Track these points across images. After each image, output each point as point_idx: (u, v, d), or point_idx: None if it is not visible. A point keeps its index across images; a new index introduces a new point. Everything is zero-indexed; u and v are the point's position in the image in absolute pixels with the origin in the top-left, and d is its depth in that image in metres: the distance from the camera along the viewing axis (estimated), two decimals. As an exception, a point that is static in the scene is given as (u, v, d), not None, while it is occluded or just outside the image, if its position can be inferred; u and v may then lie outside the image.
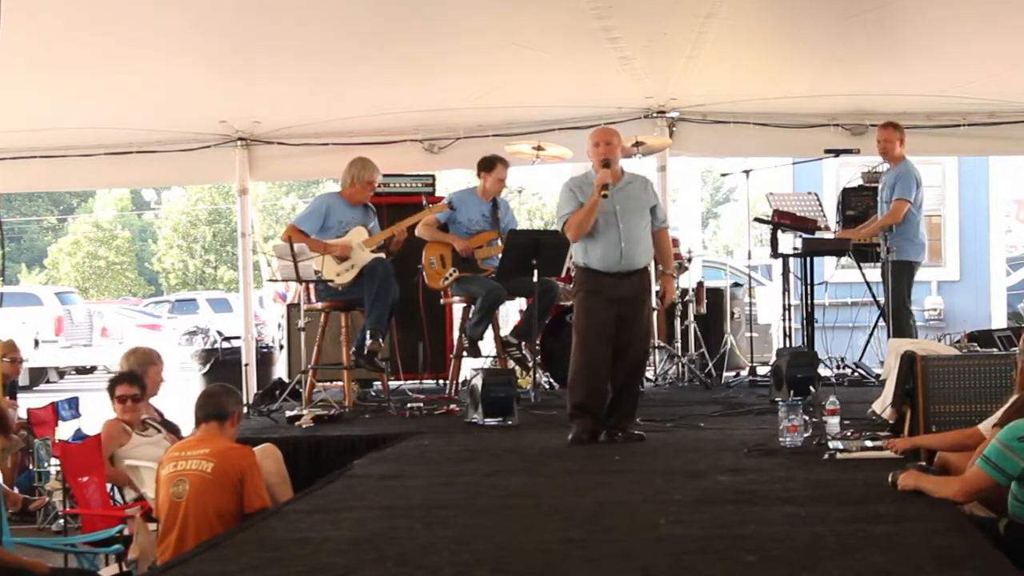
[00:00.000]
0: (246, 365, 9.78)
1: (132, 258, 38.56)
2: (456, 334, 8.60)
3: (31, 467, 7.22)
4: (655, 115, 9.32)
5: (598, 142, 6.11)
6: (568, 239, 6.17)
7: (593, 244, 6.06)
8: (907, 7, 7.10)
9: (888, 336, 8.22)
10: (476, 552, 3.67)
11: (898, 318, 8.20)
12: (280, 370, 10.05)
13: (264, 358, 10.33)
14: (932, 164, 12.87)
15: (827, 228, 9.03)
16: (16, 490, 6.98)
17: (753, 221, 9.41)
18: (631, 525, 4.07)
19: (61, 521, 6.08)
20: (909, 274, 8.35)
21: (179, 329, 23.06)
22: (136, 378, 6.04)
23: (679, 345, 9.13)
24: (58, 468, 6.29)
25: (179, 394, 7.56)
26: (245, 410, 7.90)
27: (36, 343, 18.86)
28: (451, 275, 8.08)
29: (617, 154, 6.13)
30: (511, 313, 10.83)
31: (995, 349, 6.90)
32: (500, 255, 7.77)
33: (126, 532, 5.19)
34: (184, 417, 5.82)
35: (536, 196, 38.19)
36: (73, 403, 8.00)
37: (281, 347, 10.23)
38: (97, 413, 6.20)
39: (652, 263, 6.33)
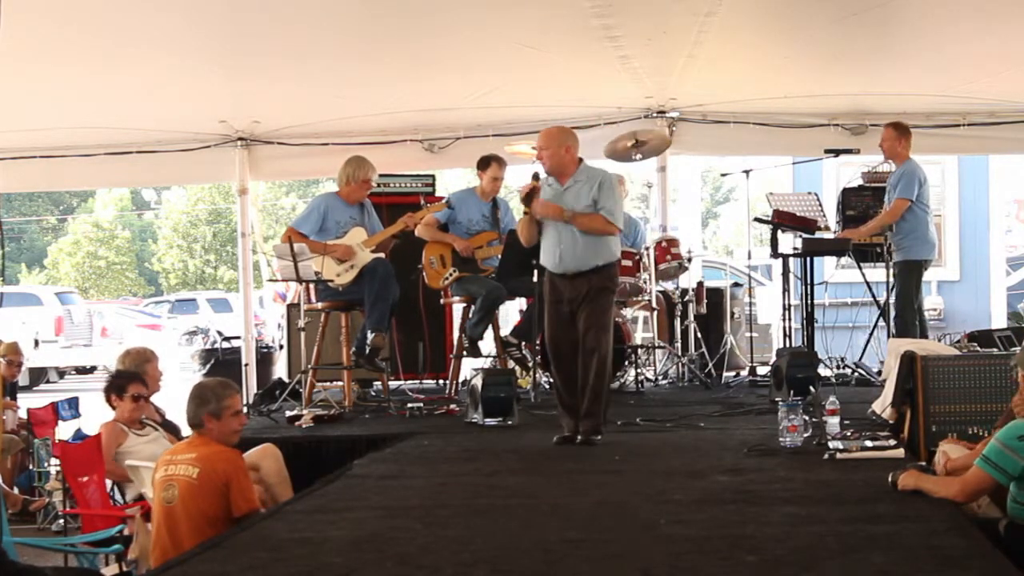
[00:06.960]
0: (246, 365, 9.78)
1: (132, 258, 38.53)
2: (456, 334, 8.60)
3: (31, 467, 7.23)
4: (655, 115, 9.32)
5: (538, 148, 6.15)
6: None
7: (543, 247, 6.17)
8: (907, 6, 7.10)
9: (888, 336, 8.21)
10: (476, 552, 3.67)
11: (903, 317, 8.16)
12: (280, 370, 10.04)
13: (264, 358, 10.33)
14: (932, 164, 12.85)
15: (827, 228, 9.01)
16: (16, 490, 6.99)
17: (753, 221, 9.39)
18: (631, 525, 4.07)
19: (61, 521, 6.09)
20: (918, 273, 8.33)
21: (179, 329, 23.01)
22: (141, 378, 6.07)
23: (679, 345, 9.12)
24: (58, 468, 6.29)
25: (179, 394, 7.53)
26: (245, 410, 7.89)
27: (36, 343, 18.87)
28: (451, 275, 8.08)
29: (559, 157, 6.07)
30: (511, 313, 10.82)
31: (995, 349, 6.90)
32: (500, 255, 7.77)
33: (126, 532, 5.19)
34: (183, 418, 5.81)
35: (536, 196, 38.10)
36: (73, 403, 8.02)
37: (281, 347, 10.23)
38: (97, 413, 6.19)
39: (614, 261, 6.14)
